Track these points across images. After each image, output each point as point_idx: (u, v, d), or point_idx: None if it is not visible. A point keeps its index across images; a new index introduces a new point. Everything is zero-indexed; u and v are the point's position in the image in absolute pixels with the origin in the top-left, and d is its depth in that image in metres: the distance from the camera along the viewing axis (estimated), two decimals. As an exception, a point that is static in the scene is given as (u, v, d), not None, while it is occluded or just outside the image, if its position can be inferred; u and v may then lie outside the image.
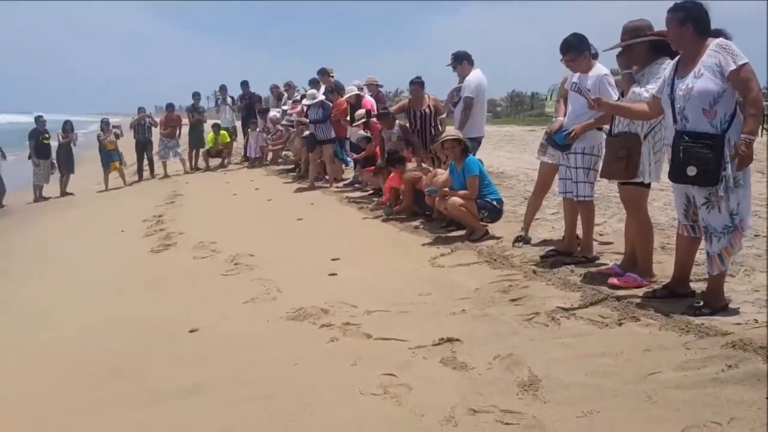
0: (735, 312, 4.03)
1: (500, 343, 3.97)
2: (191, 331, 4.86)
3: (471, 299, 4.91)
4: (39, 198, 15.18)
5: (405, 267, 6.02)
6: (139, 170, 16.37)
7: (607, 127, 4.96)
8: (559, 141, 5.22)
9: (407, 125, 9.21)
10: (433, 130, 8.84)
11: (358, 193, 10.52)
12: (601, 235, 6.11)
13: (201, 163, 16.54)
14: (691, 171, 3.93)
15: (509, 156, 14.70)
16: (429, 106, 8.94)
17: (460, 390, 3.46)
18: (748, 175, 4.02)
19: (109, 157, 15.57)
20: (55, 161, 15.33)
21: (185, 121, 16.76)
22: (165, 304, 5.74)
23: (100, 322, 5.48)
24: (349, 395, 3.54)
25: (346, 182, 11.64)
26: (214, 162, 16.68)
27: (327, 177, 11.75)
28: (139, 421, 3.63)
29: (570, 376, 3.46)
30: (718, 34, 4.05)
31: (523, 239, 6.14)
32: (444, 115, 8.91)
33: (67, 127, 15.63)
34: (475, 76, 8.10)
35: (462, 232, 6.83)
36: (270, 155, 15.39)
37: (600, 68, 5.21)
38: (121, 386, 4.12)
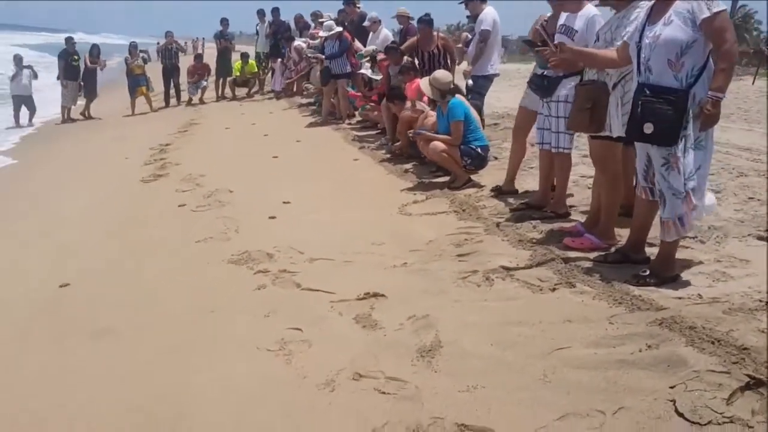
0: (684, 284, 3.66)
1: (422, 302, 3.73)
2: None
3: (420, 252, 4.66)
4: (67, 119, 15.30)
5: (373, 213, 5.76)
6: (166, 96, 16.32)
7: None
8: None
9: (415, 62, 8.77)
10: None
11: (366, 132, 10.19)
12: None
13: (227, 92, 16.37)
14: (648, 128, 3.51)
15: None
16: (438, 45, 8.49)
17: (357, 351, 3.25)
18: (711, 137, 3.58)
19: (136, 82, 15.52)
20: (82, 83, 15.36)
21: (213, 46, 16.53)
22: (123, 239, 5.64)
23: (48, 252, 5.45)
24: (246, 350, 3.39)
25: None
26: (241, 91, 16.50)
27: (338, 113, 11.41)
28: (43, 361, 3.56)
29: (475, 344, 3.20)
30: None
31: (500, 189, 5.78)
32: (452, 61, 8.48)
33: (95, 52, 15.57)
34: (490, 11, 7.73)
35: (447, 179, 6.51)
36: (294, 86, 15.07)
37: (590, 8, 4.68)
38: (46, 322, 4.06)
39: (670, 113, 3.44)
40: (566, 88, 4.68)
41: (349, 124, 11.06)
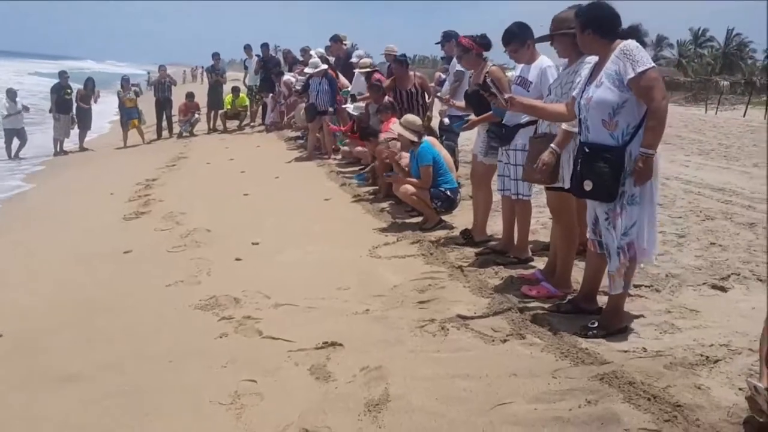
0: (632, 336, 3.74)
1: (378, 353, 3.80)
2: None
3: (384, 297, 4.73)
4: (59, 152, 15.49)
5: (344, 255, 5.84)
6: (158, 129, 16.55)
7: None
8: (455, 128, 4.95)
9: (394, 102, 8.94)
10: (420, 108, 8.59)
11: (350, 168, 10.32)
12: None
13: (219, 125, 16.57)
14: (587, 185, 3.63)
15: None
16: (415, 84, 8.68)
17: (307, 404, 3.31)
18: (648, 192, 3.65)
19: (129, 115, 15.76)
20: (75, 116, 15.57)
21: (206, 81, 16.81)
22: (96, 279, 5.72)
23: (24, 292, 5.51)
24: (198, 402, 3.44)
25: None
26: (233, 124, 16.70)
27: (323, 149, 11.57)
28: (8, 403, 3.62)
29: (421, 399, 3.26)
30: (630, 33, 3.66)
31: (471, 238, 5.86)
32: (429, 99, 8.66)
33: (89, 84, 15.83)
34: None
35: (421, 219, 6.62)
36: (284, 120, 15.28)
37: (543, 59, 4.83)
38: (17, 363, 4.13)
39: (607, 171, 3.54)
40: (523, 137, 4.79)
41: (335, 159, 11.21)
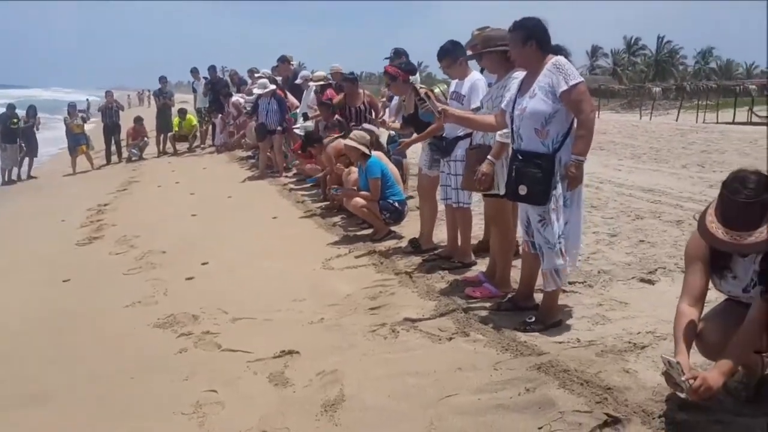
0: (566, 329, 4.04)
1: (333, 358, 4.01)
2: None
3: (337, 306, 4.95)
4: (8, 181, 15.38)
5: (298, 269, 6.04)
6: (107, 154, 16.49)
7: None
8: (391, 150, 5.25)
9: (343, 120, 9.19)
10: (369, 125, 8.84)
11: (302, 185, 10.50)
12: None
13: (169, 147, 16.59)
14: (522, 190, 3.92)
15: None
16: (364, 102, 8.93)
17: (266, 409, 3.50)
18: (578, 195, 3.99)
19: (76, 141, 15.71)
20: (22, 144, 15.42)
21: (153, 104, 16.85)
22: (52, 305, 5.79)
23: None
24: (162, 414, 3.60)
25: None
26: (183, 146, 16.73)
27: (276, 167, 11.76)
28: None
29: (374, 397, 3.49)
30: (557, 51, 4.00)
31: (418, 245, 6.12)
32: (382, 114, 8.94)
33: (31, 112, 15.74)
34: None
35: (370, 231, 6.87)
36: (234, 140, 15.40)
37: (475, 74, 5.15)
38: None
39: (539, 176, 3.85)
40: (462, 149, 5.08)
41: (286, 176, 11.40)
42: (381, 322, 4.48)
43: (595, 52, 77.23)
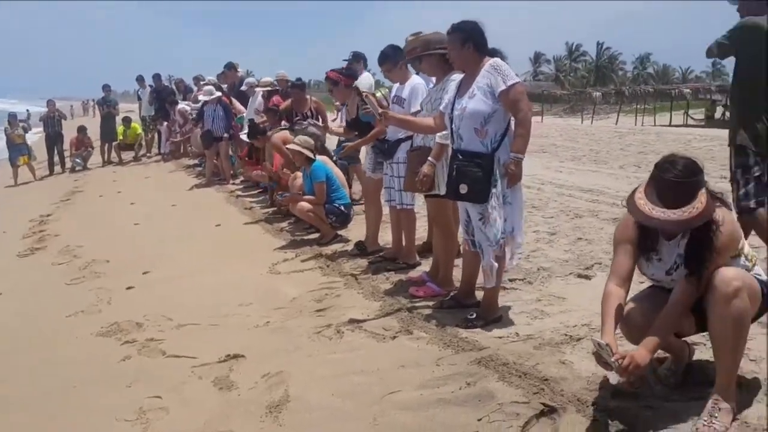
0: (506, 324, 4.16)
1: (278, 359, 4.03)
2: None
3: (284, 309, 4.97)
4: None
5: (245, 274, 6.05)
6: (50, 164, 16.09)
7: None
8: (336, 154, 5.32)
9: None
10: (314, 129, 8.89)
11: (249, 192, 10.49)
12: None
13: (114, 157, 16.30)
14: (463, 189, 4.02)
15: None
16: (311, 108, 8.97)
17: (211, 413, 3.50)
18: (518, 193, 4.12)
19: (18, 151, 15.29)
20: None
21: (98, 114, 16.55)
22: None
23: None
24: (106, 422, 3.56)
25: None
26: (128, 155, 16.46)
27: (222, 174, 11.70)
28: None
29: (319, 396, 3.52)
30: (493, 53, 4.13)
31: (364, 248, 6.19)
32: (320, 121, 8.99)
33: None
34: (366, 76, 8.30)
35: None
36: (181, 148, 15.25)
37: (415, 78, 5.26)
38: None
39: (479, 175, 3.95)
40: (403, 151, 5.17)
41: (233, 183, 11.35)
42: (326, 323, 4.52)
43: (538, 58, 79.87)
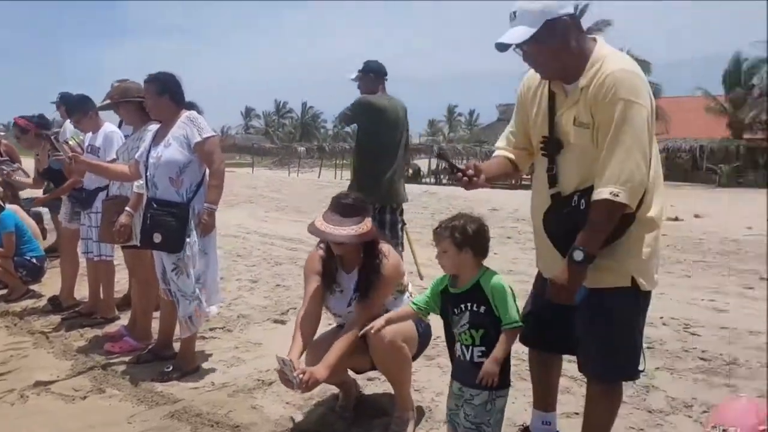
0: (204, 374, 4.25)
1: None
2: None
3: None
4: None
5: None
6: None
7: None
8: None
9: None
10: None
11: None
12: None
13: None
14: (157, 237, 4.06)
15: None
16: (1, 152, 8.15)
17: None
18: (213, 244, 4.29)
19: None
20: None
21: None
22: None
23: None
24: None
25: None
26: None
27: None
28: None
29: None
30: (190, 106, 4.30)
31: (59, 304, 5.80)
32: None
33: None
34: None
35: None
36: None
37: (108, 125, 5.20)
38: None
39: (174, 224, 4.04)
40: (101, 200, 5.07)
41: None
42: (9, 387, 4.19)
43: (248, 112, 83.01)
